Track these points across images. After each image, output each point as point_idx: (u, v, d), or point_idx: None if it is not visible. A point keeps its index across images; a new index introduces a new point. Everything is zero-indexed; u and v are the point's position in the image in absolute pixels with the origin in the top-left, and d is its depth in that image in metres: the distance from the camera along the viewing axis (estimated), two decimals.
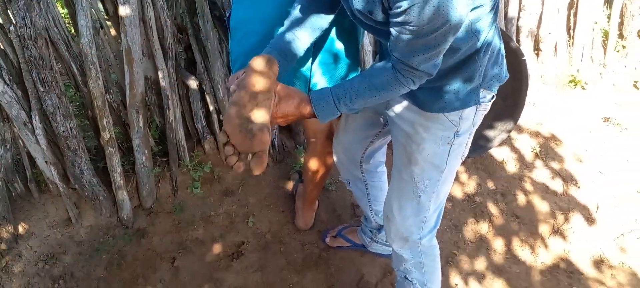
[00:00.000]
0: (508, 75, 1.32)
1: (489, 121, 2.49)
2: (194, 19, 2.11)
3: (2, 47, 1.85)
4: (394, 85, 1.08)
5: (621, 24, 2.94)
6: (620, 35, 2.98)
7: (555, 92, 2.83)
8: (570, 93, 2.83)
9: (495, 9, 1.10)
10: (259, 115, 1.01)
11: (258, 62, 1.02)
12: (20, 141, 2.03)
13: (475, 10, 1.02)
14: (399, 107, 1.35)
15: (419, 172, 1.33)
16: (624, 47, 2.96)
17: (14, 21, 1.77)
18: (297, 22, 1.22)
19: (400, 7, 0.90)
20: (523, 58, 2.42)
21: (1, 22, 1.82)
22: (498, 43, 1.22)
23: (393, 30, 0.98)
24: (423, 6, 0.88)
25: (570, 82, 2.85)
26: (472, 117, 1.26)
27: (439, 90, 1.21)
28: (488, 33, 1.12)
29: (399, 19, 0.93)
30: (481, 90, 1.23)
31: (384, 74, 1.08)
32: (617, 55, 2.97)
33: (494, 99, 1.32)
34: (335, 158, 1.75)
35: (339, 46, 1.51)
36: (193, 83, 2.13)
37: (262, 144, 1.02)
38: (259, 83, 1.01)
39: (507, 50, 2.41)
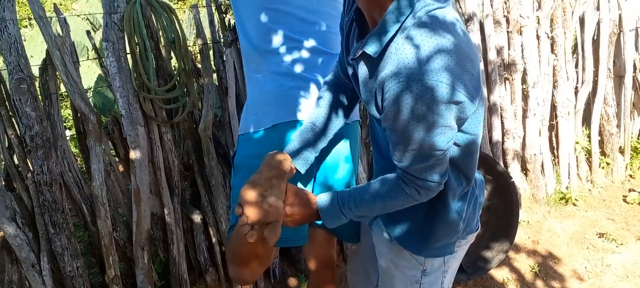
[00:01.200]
0: (479, 226, 1.32)
1: (486, 242, 2.55)
2: (199, 157, 2.25)
3: (18, 193, 1.96)
4: (398, 194, 1.08)
5: (601, 141, 3.10)
6: (603, 153, 3.13)
7: (547, 210, 2.91)
8: (563, 210, 2.91)
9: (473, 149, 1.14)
10: (273, 192, 1.11)
11: (275, 156, 1.13)
12: (26, 282, 2.06)
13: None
14: (377, 239, 1.36)
15: None
16: (607, 163, 3.10)
17: (32, 168, 1.90)
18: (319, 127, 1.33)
19: (385, 109, 0.96)
20: (511, 180, 2.54)
21: (20, 170, 1.95)
22: (477, 179, 1.26)
23: (387, 133, 1.02)
24: (398, 112, 0.94)
25: (561, 199, 2.94)
26: (442, 264, 1.25)
27: (408, 220, 1.20)
28: (467, 169, 1.14)
29: (386, 124, 0.98)
30: (457, 241, 1.22)
31: (389, 182, 1.10)
32: (602, 171, 3.10)
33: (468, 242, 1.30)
34: (349, 282, 1.76)
35: (343, 152, 1.64)
36: (197, 217, 2.21)
37: (276, 213, 1.09)
38: (273, 172, 1.12)
39: (495, 174, 2.55)
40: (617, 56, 3.09)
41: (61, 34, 1.93)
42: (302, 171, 1.39)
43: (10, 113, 1.92)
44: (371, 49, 1.01)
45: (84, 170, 2.21)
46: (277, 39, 1.60)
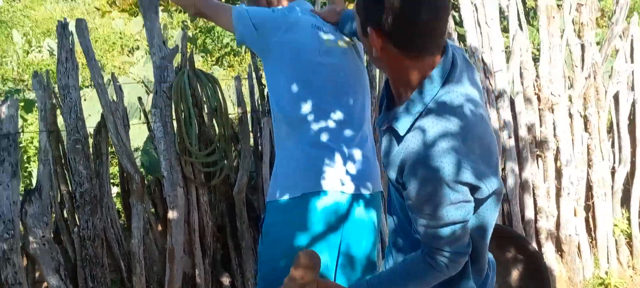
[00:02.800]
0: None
1: None
2: (232, 220, 2.35)
3: (64, 245, 2.10)
4: (426, 270, 1.10)
5: None
6: None
7: None
8: None
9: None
10: None
11: (305, 257, 1.18)
12: None
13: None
14: None
15: None
16: None
17: (78, 223, 2.04)
18: None
19: (406, 187, 1.03)
20: (542, 261, 2.49)
21: (68, 224, 2.10)
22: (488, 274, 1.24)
23: (409, 212, 1.08)
24: (413, 194, 1.01)
25: (600, 284, 2.83)
26: None
27: None
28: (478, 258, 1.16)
29: (408, 203, 1.05)
30: None
31: (416, 261, 1.12)
32: None
33: None
34: None
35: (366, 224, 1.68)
36: (226, 280, 2.28)
37: None
38: (306, 275, 1.17)
39: (527, 254, 2.50)
40: None
41: (115, 100, 2.12)
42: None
43: (65, 170, 2.09)
44: (400, 125, 1.07)
45: (125, 226, 2.34)
46: (307, 108, 1.70)
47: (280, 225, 1.72)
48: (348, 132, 1.75)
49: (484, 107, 1.11)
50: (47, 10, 7.70)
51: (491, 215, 1.13)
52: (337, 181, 1.69)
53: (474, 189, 1.02)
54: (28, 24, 6.93)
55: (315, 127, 1.72)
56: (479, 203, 1.07)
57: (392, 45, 1.04)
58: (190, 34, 7.06)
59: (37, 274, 2.03)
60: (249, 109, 2.42)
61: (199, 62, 6.05)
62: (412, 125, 1.06)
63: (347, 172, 1.72)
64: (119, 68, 5.80)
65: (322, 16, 1.78)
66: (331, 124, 1.74)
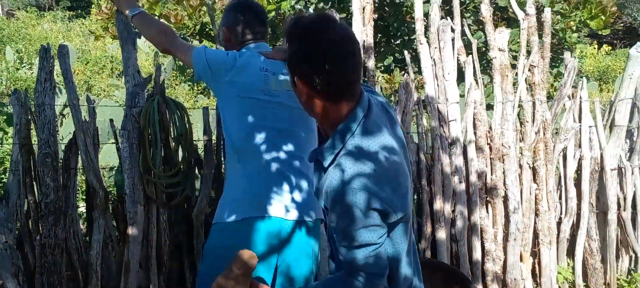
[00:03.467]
0: None
1: None
2: (190, 240, 2.47)
3: (25, 252, 2.21)
4: (346, 286, 1.25)
5: (585, 274, 3.16)
6: (587, 287, 3.17)
7: None
8: None
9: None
10: None
11: (244, 254, 1.32)
12: None
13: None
14: None
15: None
16: None
17: (41, 232, 2.16)
18: None
19: (328, 213, 1.22)
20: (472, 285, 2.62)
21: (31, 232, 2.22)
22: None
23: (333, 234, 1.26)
24: (334, 219, 1.20)
25: None
26: None
27: None
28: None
29: (331, 225, 1.24)
30: None
31: (335, 279, 1.29)
32: None
33: None
34: None
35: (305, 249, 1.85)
36: None
37: None
38: (241, 270, 1.31)
39: (457, 280, 2.62)
40: (601, 192, 3.24)
41: (87, 119, 2.28)
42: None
43: (34, 181, 2.23)
44: (324, 159, 1.27)
45: (87, 239, 2.46)
46: (255, 140, 1.87)
47: (221, 248, 1.85)
48: (295, 163, 1.92)
49: (401, 151, 1.30)
50: (44, 29, 7.93)
51: (402, 241, 1.30)
52: (281, 208, 1.84)
53: (384, 215, 1.20)
54: (22, 42, 7.13)
55: (263, 157, 1.88)
56: (390, 227, 1.25)
57: (314, 92, 1.23)
58: (180, 63, 7.31)
59: None
60: (214, 136, 2.58)
61: (185, 90, 6.25)
62: (333, 160, 1.25)
63: (292, 200, 1.88)
64: (105, 90, 5.98)
65: (269, 56, 1.96)
66: (279, 155, 1.90)
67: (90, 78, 6.28)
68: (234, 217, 1.85)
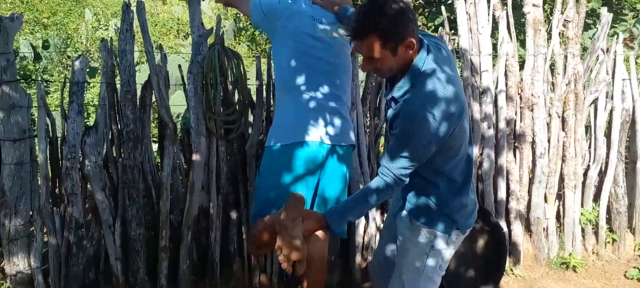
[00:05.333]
0: (475, 216, 1.88)
1: (475, 284, 2.87)
2: (244, 169, 2.89)
3: (110, 172, 2.71)
4: (378, 186, 1.69)
5: (609, 219, 3.31)
6: (610, 229, 3.33)
7: (546, 271, 3.15)
8: (562, 274, 3.14)
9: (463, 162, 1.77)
10: (297, 232, 1.70)
11: (295, 197, 1.71)
12: (103, 240, 2.76)
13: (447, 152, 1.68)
14: (400, 223, 1.90)
15: (405, 272, 1.88)
16: (614, 240, 3.29)
17: (122, 155, 2.64)
18: None
19: (395, 127, 1.66)
20: (502, 232, 2.90)
21: (115, 155, 2.70)
22: (459, 181, 1.78)
23: (389, 140, 1.70)
24: (400, 129, 1.63)
25: (562, 263, 3.18)
26: (444, 245, 1.81)
27: (412, 198, 1.82)
28: (449, 171, 1.74)
29: (392, 132, 1.68)
30: (446, 218, 1.77)
31: (374, 182, 1.71)
32: (609, 246, 3.29)
33: (463, 235, 1.86)
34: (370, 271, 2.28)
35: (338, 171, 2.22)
36: (234, 214, 2.82)
37: (301, 253, 1.70)
38: (295, 212, 1.70)
39: (489, 224, 2.91)
40: (632, 143, 3.34)
41: (160, 64, 2.71)
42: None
43: (116, 114, 2.70)
44: (397, 94, 1.69)
45: (159, 163, 2.93)
46: (300, 79, 2.22)
47: (271, 166, 2.24)
48: (331, 100, 2.26)
49: (457, 75, 1.71)
50: None
51: (461, 143, 1.73)
52: (317, 135, 2.20)
53: (442, 125, 1.61)
54: (99, 5, 7.80)
55: (305, 94, 2.24)
56: (451, 131, 1.65)
57: (386, 43, 1.60)
58: (241, 25, 7.78)
59: (88, 190, 2.64)
60: (265, 81, 2.95)
61: (244, 49, 6.68)
62: (404, 93, 1.67)
63: (327, 130, 2.23)
64: (171, 48, 6.52)
65: (321, 5, 2.27)
66: (319, 92, 2.25)
67: (159, 38, 6.85)
68: (279, 143, 2.22)
